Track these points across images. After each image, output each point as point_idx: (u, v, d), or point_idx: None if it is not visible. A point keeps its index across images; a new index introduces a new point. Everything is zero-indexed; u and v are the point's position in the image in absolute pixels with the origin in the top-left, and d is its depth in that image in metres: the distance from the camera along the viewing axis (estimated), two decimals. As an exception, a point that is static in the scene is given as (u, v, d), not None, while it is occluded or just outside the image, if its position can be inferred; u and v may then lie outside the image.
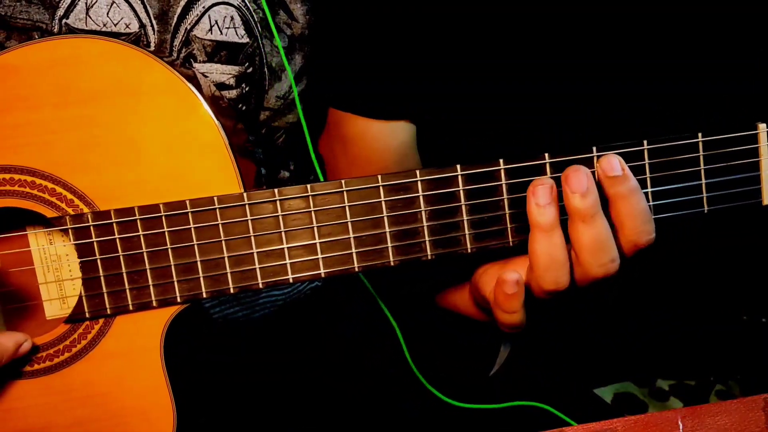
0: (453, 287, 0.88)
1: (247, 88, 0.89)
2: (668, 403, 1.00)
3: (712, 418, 0.70)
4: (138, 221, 0.73)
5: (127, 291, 0.74)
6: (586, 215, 0.67)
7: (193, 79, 0.76)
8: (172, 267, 0.73)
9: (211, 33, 0.86)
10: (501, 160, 0.71)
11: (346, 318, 1.01)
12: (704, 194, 0.72)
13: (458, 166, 0.71)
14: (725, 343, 1.03)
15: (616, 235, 0.70)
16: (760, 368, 0.99)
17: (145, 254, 0.73)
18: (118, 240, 0.73)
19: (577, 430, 0.72)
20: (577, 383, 1.01)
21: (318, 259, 0.73)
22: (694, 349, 1.03)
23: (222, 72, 0.87)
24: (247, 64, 0.88)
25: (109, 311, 0.74)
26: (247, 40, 0.88)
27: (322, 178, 0.85)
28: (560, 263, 0.68)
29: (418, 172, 0.71)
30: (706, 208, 0.72)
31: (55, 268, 0.78)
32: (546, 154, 0.71)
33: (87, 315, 0.74)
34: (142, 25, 0.84)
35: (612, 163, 0.69)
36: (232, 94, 0.88)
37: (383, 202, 0.72)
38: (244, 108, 0.90)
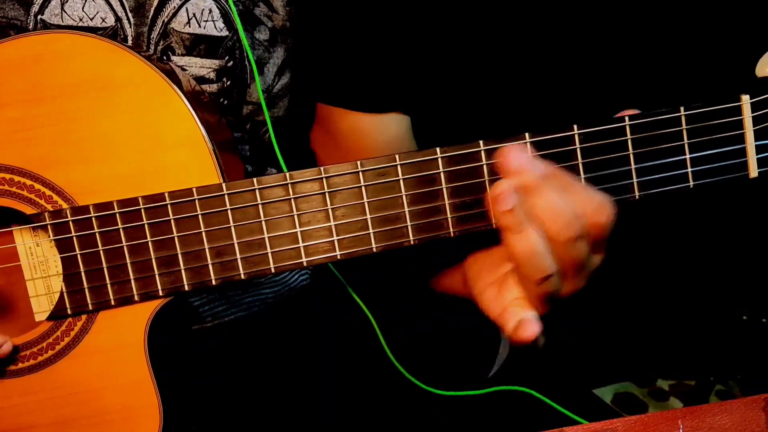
0: (448, 271, 0.89)
1: (228, 83, 0.91)
2: (668, 403, 1.01)
3: (712, 418, 0.71)
4: (117, 215, 0.74)
5: (109, 286, 0.75)
6: (534, 186, 0.70)
7: (171, 74, 0.78)
8: (153, 260, 0.75)
9: (189, 26, 0.88)
10: (481, 141, 0.73)
11: (336, 314, 1.02)
12: (689, 169, 0.73)
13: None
14: (725, 343, 1.04)
15: None
16: (760, 368, 1.00)
17: (125, 248, 0.75)
18: (97, 234, 0.75)
19: (577, 430, 0.73)
20: (577, 383, 1.02)
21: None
22: (694, 349, 1.04)
23: (201, 66, 0.89)
24: (227, 57, 0.90)
25: (90, 307, 0.76)
26: (227, 33, 0.90)
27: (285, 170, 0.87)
28: (542, 252, 0.71)
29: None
30: (691, 183, 0.73)
31: (41, 264, 0.79)
32: (527, 134, 0.72)
33: (69, 312, 0.76)
34: (118, 19, 0.87)
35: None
36: (213, 88, 0.90)
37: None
38: (226, 102, 0.92)
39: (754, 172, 0.73)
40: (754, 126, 0.72)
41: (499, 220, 0.71)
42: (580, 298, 0.78)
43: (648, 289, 1.04)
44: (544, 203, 0.70)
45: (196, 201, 0.74)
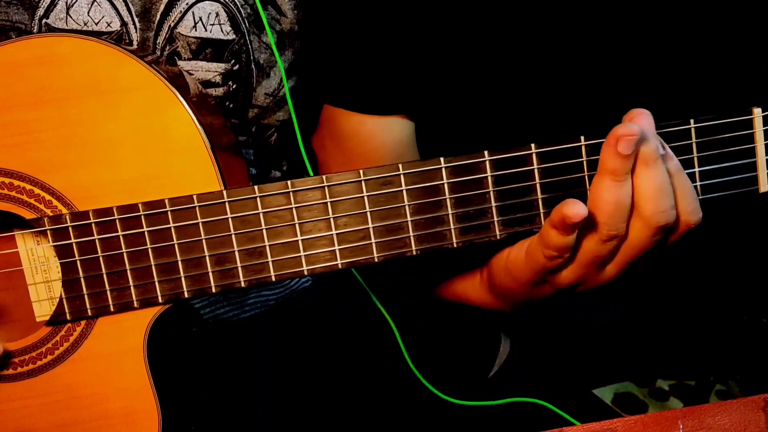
0: (459, 277, 0.85)
1: (234, 86, 0.87)
2: (668, 403, 0.97)
3: (712, 418, 0.68)
4: (117, 221, 0.70)
5: (108, 292, 0.71)
6: (650, 159, 0.65)
7: (179, 77, 0.74)
8: (153, 267, 0.71)
9: (196, 30, 0.84)
10: (486, 152, 0.68)
11: (339, 317, 0.98)
12: (698, 182, 0.68)
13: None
14: (725, 343, 1.01)
15: None
16: (760, 368, 0.96)
17: (125, 254, 0.70)
18: (97, 241, 0.70)
19: (577, 430, 0.70)
20: (577, 383, 0.98)
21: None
22: (694, 348, 1.01)
23: (207, 70, 0.85)
24: (233, 61, 0.86)
25: (90, 312, 0.72)
26: (233, 36, 0.85)
27: (310, 169, 0.82)
28: (625, 209, 0.66)
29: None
30: (700, 196, 0.68)
31: (43, 269, 0.75)
32: (532, 144, 0.68)
33: (68, 317, 0.72)
34: (123, 23, 0.82)
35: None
36: (219, 91, 0.86)
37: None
38: (231, 106, 0.87)
39: (764, 186, 0.69)
40: (765, 140, 0.68)
41: (607, 162, 0.65)
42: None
43: (648, 288, 1.00)
44: (651, 179, 0.66)
45: (197, 208, 0.70)
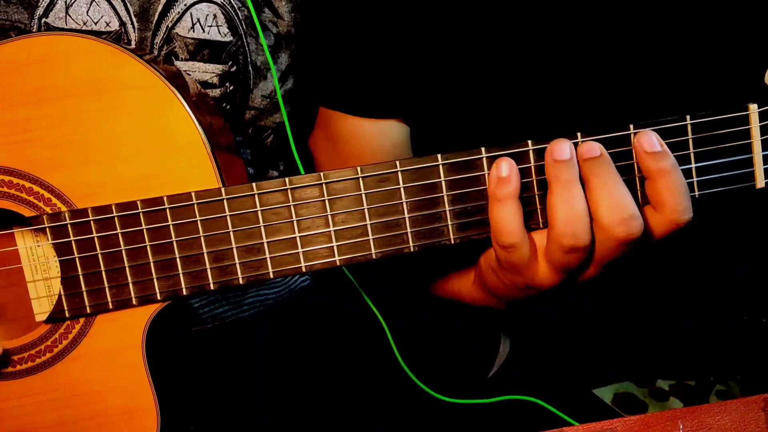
0: (453, 274, 0.86)
1: (231, 87, 0.87)
2: (668, 403, 0.98)
3: (712, 418, 0.68)
4: (116, 219, 0.70)
5: (107, 289, 0.71)
6: (596, 165, 0.67)
7: (178, 76, 0.74)
8: (151, 264, 0.71)
9: (193, 31, 0.84)
10: (482, 149, 0.68)
11: (337, 316, 0.98)
12: (694, 178, 0.69)
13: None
14: (725, 343, 1.01)
15: (654, 214, 0.68)
16: (760, 368, 0.97)
17: (123, 252, 0.71)
18: (96, 238, 0.71)
19: (577, 430, 0.70)
20: (577, 383, 0.98)
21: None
22: (694, 348, 1.01)
23: (204, 71, 0.85)
24: (230, 62, 0.86)
25: (88, 310, 0.72)
26: (231, 38, 0.86)
27: (302, 170, 0.83)
28: (579, 215, 0.67)
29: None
30: (696, 192, 0.69)
31: (42, 266, 0.76)
32: (529, 141, 0.68)
33: (67, 314, 0.72)
34: (122, 23, 0.83)
35: (651, 140, 0.67)
36: (216, 93, 0.86)
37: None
38: (228, 107, 0.88)
39: (761, 182, 0.69)
40: (761, 135, 0.68)
41: (550, 171, 0.67)
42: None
43: (648, 288, 1.01)
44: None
45: (195, 205, 0.70)
